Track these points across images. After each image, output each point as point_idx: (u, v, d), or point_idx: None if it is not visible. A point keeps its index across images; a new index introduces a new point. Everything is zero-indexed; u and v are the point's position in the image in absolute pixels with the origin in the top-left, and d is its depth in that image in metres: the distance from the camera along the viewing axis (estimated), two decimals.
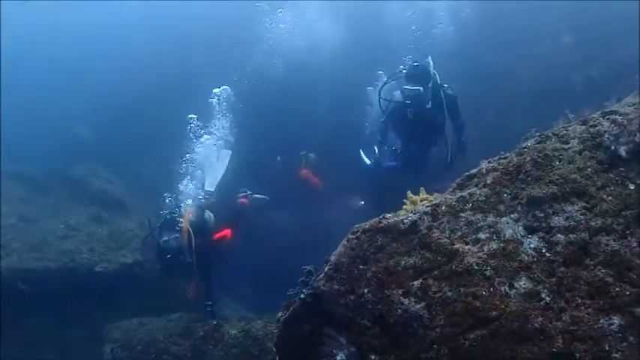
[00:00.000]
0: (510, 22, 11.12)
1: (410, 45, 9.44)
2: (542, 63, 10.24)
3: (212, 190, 8.89)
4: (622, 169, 2.83)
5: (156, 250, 7.73)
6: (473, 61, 10.42)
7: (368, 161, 8.60)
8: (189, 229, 7.62)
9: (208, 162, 9.22)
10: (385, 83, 8.08)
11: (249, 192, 9.33)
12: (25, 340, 8.10)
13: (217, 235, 8.31)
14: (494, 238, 2.77)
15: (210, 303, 7.59)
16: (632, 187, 2.77)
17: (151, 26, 17.69)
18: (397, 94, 7.90)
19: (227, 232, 8.45)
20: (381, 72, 9.50)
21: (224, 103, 9.98)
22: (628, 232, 2.65)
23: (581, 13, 10.71)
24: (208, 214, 8.33)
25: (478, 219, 2.86)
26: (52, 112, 16.66)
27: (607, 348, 2.47)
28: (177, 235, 7.58)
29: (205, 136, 9.46)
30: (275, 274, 5.77)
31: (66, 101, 16.33)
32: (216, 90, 10.14)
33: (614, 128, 2.92)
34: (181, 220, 7.73)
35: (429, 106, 7.62)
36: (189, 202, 8.33)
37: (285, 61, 11.52)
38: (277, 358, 3.72)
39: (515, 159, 3.03)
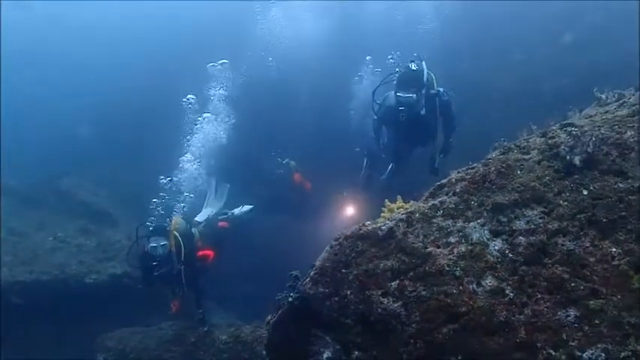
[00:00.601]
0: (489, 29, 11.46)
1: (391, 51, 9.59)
2: (517, 71, 10.63)
3: (200, 221, 8.96)
4: (577, 176, 3.14)
5: (141, 258, 7.68)
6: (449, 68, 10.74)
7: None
8: (178, 236, 7.63)
9: (208, 197, 9.38)
10: (379, 85, 7.99)
11: (228, 213, 9.38)
12: (21, 351, 8.23)
13: (200, 253, 8.29)
14: (463, 241, 3.06)
15: (201, 311, 7.58)
16: (585, 192, 3.08)
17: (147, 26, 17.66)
18: (391, 95, 7.83)
19: (209, 253, 8.43)
20: (369, 58, 9.60)
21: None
22: (582, 233, 2.96)
23: (557, 21, 11.14)
24: (195, 230, 8.38)
25: (448, 224, 3.15)
26: (42, 118, 16.61)
27: (564, 337, 2.76)
28: (165, 242, 7.49)
29: (206, 114, 9.64)
30: (262, 281, 5.91)
31: (60, 107, 16.27)
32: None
33: (570, 140, 3.23)
34: (170, 227, 7.70)
35: (422, 112, 7.52)
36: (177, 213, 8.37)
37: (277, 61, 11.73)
38: (268, 359, 3.95)
39: (481, 169, 3.33)
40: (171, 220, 8.01)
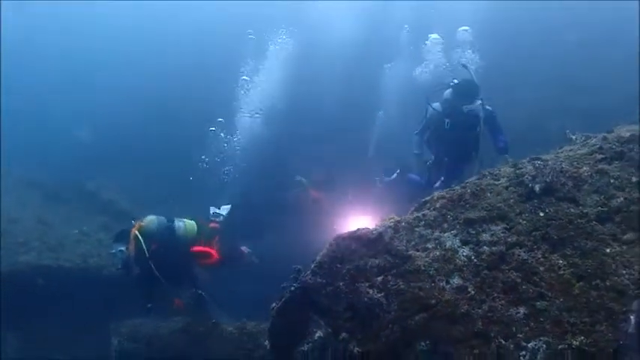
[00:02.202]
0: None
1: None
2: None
3: (221, 212, 8.94)
4: (535, 201, 3.80)
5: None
6: None
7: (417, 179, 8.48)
8: (140, 238, 7.55)
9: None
10: (434, 92, 7.99)
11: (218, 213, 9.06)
12: (35, 334, 8.91)
13: (198, 248, 8.16)
14: (438, 247, 3.71)
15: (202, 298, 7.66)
16: (542, 214, 3.73)
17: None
18: (437, 105, 7.82)
19: (212, 251, 8.26)
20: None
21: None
22: (535, 247, 3.60)
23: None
24: (183, 225, 8.13)
25: (427, 233, 3.82)
26: (56, 115, 17.12)
27: (514, 330, 3.38)
28: (122, 247, 7.59)
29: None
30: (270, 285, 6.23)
31: (70, 105, 16.78)
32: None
33: (533, 171, 3.90)
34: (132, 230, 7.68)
35: (480, 127, 7.48)
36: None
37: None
38: (270, 341, 4.59)
39: (459, 190, 4.01)
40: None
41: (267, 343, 4.71)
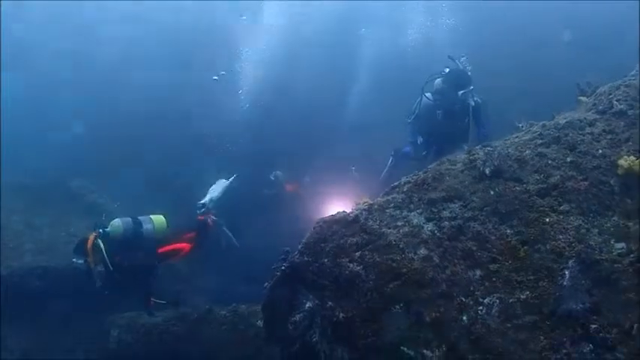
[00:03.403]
0: None
1: None
2: None
3: (204, 201, 8.97)
4: (487, 182, 4.48)
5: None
6: None
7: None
8: (102, 248, 7.38)
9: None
10: (427, 82, 8.10)
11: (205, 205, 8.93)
12: (35, 333, 9.31)
13: (166, 249, 8.06)
14: (406, 224, 4.36)
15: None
16: (492, 192, 4.41)
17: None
18: (429, 95, 7.98)
19: (184, 245, 8.21)
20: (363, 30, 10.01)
21: None
22: (487, 220, 4.28)
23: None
24: (151, 225, 7.93)
25: (397, 213, 4.46)
26: (46, 114, 16.74)
27: (472, 289, 4.05)
28: (81, 260, 7.43)
29: None
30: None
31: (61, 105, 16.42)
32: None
33: (484, 156, 4.57)
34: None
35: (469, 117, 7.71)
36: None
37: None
38: (264, 316, 5.17)
39: (422, 175, 4.67)
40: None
41: (259, 322, 5.27)
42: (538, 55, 11.84)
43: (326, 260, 4.44)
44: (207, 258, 9.05)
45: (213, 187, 9.41)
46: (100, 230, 7.67)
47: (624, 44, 9.89)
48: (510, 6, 12.94)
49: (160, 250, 8.01)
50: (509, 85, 11.83)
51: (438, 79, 8.06)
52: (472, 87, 7.75)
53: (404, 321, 3.99)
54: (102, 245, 7.44)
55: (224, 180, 9.49)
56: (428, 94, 8.10)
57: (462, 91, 7.64)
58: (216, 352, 7.45)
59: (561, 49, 11.68)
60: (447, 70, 7.98)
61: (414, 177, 4.73)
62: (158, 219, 8.10)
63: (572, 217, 4.21)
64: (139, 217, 8.02)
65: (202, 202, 9.07)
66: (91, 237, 7.53)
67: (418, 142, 8.35)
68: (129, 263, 7.50)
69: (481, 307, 3.97)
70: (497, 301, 3.98)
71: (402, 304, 4.08)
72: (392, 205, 4.52)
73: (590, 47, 11.36)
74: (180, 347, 7.72)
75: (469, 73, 7.90)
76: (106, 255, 7.36)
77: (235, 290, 8.73)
